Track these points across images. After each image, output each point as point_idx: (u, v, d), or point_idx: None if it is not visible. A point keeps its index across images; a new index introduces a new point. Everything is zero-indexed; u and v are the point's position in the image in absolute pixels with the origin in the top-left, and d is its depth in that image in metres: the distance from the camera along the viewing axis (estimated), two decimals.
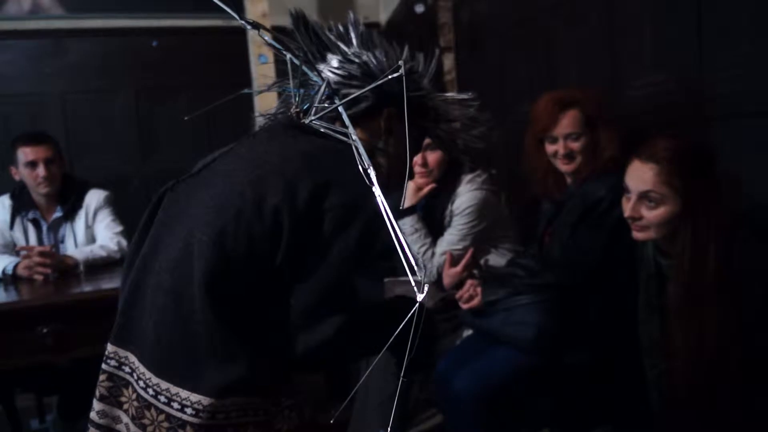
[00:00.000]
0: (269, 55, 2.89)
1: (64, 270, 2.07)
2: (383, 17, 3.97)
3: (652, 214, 1.33)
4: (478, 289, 1.80)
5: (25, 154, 2.22)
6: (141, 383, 0.89)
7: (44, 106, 3.45)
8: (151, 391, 0.88)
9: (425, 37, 3.17)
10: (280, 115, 1.04)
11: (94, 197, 2.36)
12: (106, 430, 0.93)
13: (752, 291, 1.24)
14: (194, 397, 0.85)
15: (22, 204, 2.30)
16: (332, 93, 0.96)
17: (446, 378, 1.73)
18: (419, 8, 3.17)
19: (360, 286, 0.93)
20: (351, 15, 1.04)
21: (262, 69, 2.73)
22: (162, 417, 0.87)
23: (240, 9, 2.77)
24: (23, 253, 2.08)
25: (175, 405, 0.86)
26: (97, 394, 0.94)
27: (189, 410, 0.85)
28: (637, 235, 1.38)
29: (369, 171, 0.70)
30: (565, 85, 2.14)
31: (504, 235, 2.13)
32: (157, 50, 3.59)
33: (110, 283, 1.91)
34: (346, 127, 0.85)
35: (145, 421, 0.88)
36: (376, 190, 0.66)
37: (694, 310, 1.28)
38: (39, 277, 2.02)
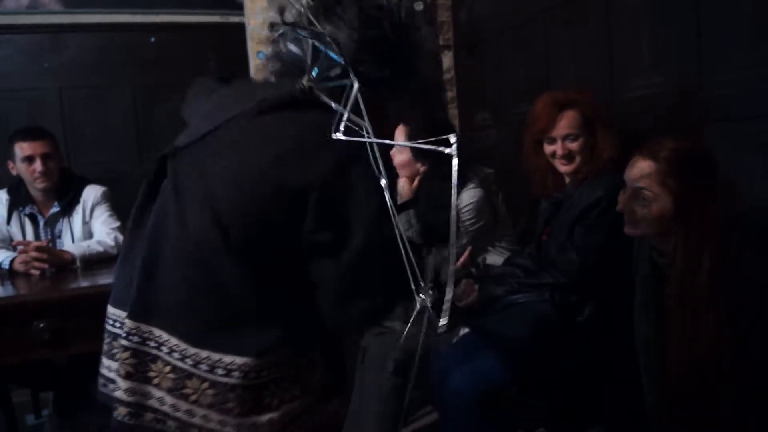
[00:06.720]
0: (267, 52, 2.88)
1: (60, 265, 2.06)
2: None
3: (643, 211, 1.35)
4: (475, 288, 1.80)
5: (22, 149, 2.21)
6: (176, 355, 0.89)
7: (42, 102, 3.43)
8: (189, 361, 0.88)
9: None
10: (286, 86, 1.00)
11: (92, 193, 2.35)
12: (136, 407, 0.91)
13: (750, 293, 1.24)
14: (240, 360, 0.87)
15: (19, 199, 2.29)
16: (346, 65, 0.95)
17: (442, 376, 1.72)
18: (418, 6, 3.16)
19: None
20: None
21: (260, 65, 2.72)
22: (206, 385, 0.88)
23: (238, 4, 2.76)
24: (20, 248, 2.07)
25: (219, 371, 0.87)
26: (122, 372, 0.92)
27: (236, 374, 0.87)
28: (628, 229, 1.40)
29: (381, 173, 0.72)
30: (563, 85, 2.14)
31: (502, 234, 2.13)
32: (156, 46, 3.58)
33: (107, 278, 1.89)
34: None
35: (187, 391, 0.89)
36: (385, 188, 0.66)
37: (688, 311, 1.28)
38: (35, 272, 2.01)
